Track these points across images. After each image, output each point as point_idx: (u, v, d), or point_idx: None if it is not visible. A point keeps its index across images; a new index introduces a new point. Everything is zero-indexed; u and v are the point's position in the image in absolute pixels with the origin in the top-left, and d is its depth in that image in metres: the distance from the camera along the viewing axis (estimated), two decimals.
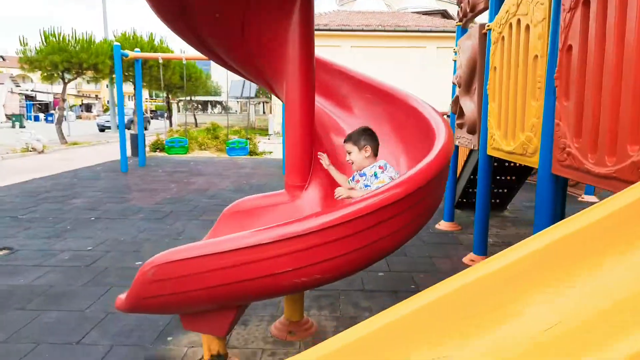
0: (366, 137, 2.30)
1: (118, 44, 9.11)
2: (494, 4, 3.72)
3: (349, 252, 1.92)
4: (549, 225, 2.74)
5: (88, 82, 18.01)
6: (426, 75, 20.71)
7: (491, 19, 3.75)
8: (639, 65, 1.87)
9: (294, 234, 1.84)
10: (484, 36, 3.96)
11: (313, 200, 2.59)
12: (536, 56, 2.84)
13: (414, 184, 1.95)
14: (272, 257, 1.85)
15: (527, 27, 2.97)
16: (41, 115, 42.59)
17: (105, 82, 21.53)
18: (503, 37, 3.41)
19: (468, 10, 4.19)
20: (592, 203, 6.17)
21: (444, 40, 21.45)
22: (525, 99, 3.06)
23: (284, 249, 1.84)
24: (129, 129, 28.91)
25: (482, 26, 3.96)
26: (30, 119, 41.34)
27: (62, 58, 14.86)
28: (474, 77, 4.13)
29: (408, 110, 2.46)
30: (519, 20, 3.11)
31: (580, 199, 7.16)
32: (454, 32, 6.20)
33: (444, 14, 29.90)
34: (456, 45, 5.08)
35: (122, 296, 2.16)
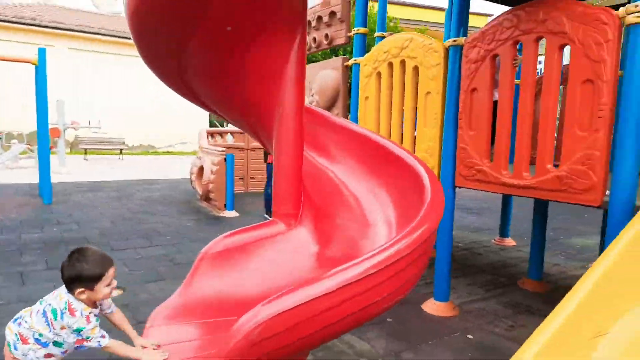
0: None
1: None
2: (358, 42, 4.32)
3: (408, 279, 2.05)
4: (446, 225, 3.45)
5: None
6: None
7: (355, 55, 4.34)
8: (530, 110, 2.78)
9: (392, 259, 1.86)
10: (346, 68, 4.53)
11: (311, 229, 2.51)
12: (429, 92, 3.56)
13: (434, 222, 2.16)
14: (375, 285, 1.83)
15: (416, 68, 3.68)
16: None
17: None
18: (379, 73, 4.04)
19: (325, 42, 4.68)
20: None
21: None
22: (412, 125, 3.76)
23: (384, 276, 1.85)
24: None
25: (345, 59, 4.52)
26: None
27: None
28: (335, 103, 4.64)
29: (395, 161, 2.60)
30: (403, 61, 3.79)
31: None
32: None
33: None
34: None
35: None
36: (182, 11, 1.98)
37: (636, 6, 2.25)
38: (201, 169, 7.53)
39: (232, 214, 7.11)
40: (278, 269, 2.35)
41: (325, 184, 2.66)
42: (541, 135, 2.79)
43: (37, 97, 7.77)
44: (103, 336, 1.68)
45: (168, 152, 23.51)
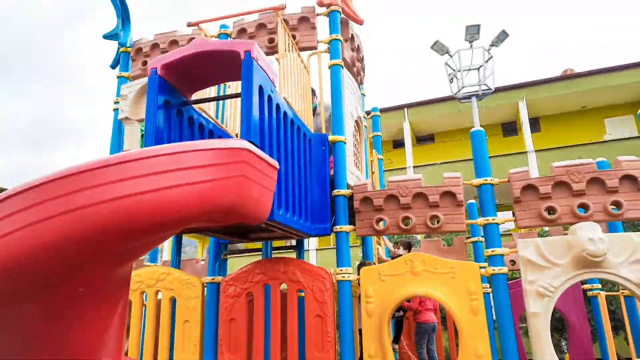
0: None
1: None
2: None
3: None
4: None
5: None
6: None
7: None
8: (278, 334, 3.80)
9: None
10: None
11: None
12: (187, 321, 4.05)
13: None
14: None
15: (172, 298, 4.14)
16: None
17: None
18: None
19: None
20: None
21: None
22: (167, 353, 4.03)
23: None
24: None
25: None
26: None
27: None
28: None
29: None
30: (157, 291, 4.19)
31: None
32: None
33: None
34: None
35: None
36: None
37: (341, 270, 3.74)
38: None
39: None
40: None
41: None
42: (290, 354, 3.73)
43: None
44: None
45: None
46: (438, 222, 3.36)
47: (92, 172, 2.03)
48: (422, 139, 21.49)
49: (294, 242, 5.90)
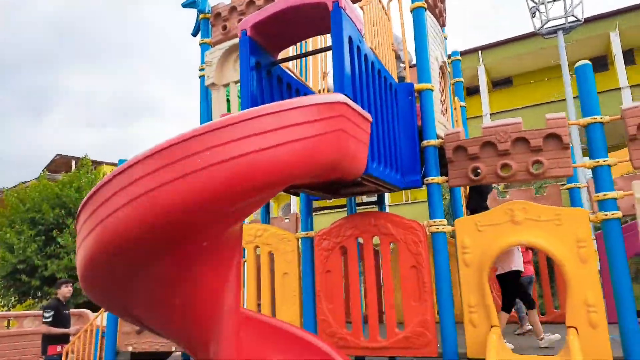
0: None
1: None
2: None
3: None
4: None
5: None
6: None
7: None
8: (374, 287, 3.86)
9: None
10: None
11: None
12: (286, 273, 4.26)
13: None
14: None
15: (270, 253, 4.36)
16: None
17: None
18: None
19: None
20: None
21: None
22: (270, 303, 4.29)
23: None
24: None
25: None
26: None
27: None
28: None
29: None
30: (256, 247, 4.43)
31: None
32: None
33: None
34: None
35: None
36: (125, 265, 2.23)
37: (434, 222, 3.69)
38: None
39: None
40: None
41: None
42: (387, 306, 3.82)
43: None
44: None
45: None
46: (542, 167, 3.17)
47: (207, 135, 2.12)
48: (498, 83, 20.19)
49: (374, 198, 5.91)
